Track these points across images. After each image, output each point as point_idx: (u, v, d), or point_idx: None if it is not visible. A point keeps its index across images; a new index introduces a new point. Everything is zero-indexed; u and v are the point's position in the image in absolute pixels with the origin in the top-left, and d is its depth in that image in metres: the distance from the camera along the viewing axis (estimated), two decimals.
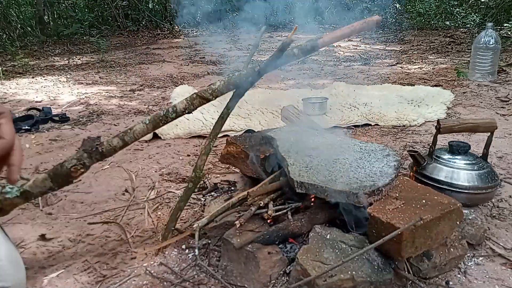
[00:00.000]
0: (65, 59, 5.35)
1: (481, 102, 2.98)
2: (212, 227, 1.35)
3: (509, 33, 5.65)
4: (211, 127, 1.41)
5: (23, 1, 7.72)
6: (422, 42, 5.93)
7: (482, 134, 1.61)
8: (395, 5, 7.65)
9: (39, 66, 4.89)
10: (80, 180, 1.92)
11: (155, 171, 2.03)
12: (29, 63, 4.98)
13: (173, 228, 1.39)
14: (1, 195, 1.15)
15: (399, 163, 1.29)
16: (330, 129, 2.51)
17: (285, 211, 1.26)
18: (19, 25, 6.82)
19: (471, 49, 3.60)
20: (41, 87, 3.92)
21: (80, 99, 3.48)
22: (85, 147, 1.20)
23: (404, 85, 3.51)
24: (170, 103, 3.24)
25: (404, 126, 2.58)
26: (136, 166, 2.10)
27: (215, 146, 2.27)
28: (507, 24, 5.75)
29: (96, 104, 3.31)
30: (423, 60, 4.65)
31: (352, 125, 2.59)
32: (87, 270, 1.30)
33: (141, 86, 3.89)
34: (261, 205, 1.25)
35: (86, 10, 8.18)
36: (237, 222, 1.18)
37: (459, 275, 1.20)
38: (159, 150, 2.31)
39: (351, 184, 1.15)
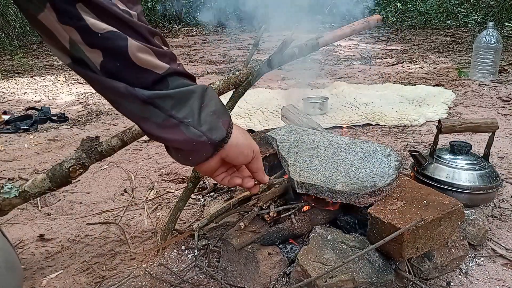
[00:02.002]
0: None
1: (483, 102, 2.97)
2: (211, 228, 1.34)
3: (510, 32, 5.63)
4: None
5: None
6: (423, 42, 5.92)
7: (484, 134, 1.60)
8: (396, 4, 7.63)
9: (37, 66, 4.89)
10: (79, 180, 1.91)
11: (155, 171, 2.02)
12: (28, 62, 4.98)
13: (172, 229, 1.38)
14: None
15: (400, 163, 1.28)
16: (330, 129, 2.51)
17: (289, 213, 1.25)
18: (18, 25, 6.81)
19: (472, 49, 3.59)
20: (40, 86, 3.92)
21: (79, 98, 3.47)
22: (84, 147, 1.19)
23: (405, 85, 3.50)
24: None
25: (405, 126, 2.57)
26: (135, 166, 2.09)
27: None
28: (509, 24, 5.73)
29: (95, 104, 3.30)
30: (424, 60, 4.64)
31: (353, 125, 2.59)
32: (86, 271, 1.29)
33: None
34: (263, 207, 1.24)
35: None
36: (241, 223, 1.18)
37: (460, 276, 1.20)
38: (159, 150, 2.31)
39: (352, 185, 1.14)
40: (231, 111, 1.39)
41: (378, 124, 2.60)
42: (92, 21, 0.46)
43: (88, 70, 0.50)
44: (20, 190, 1.18)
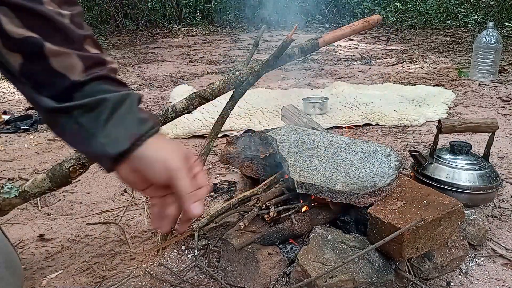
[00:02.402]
0: None
1: (483, 102, 2.97)
2: (211, 228, 1.34)
3: (510, 32, 5.63)
4: (211, 127, 1.41)
5: None
6: (423, 42, 5.91)
7: (484, 134, 1.60)
8: (396, 4, 7.63)
9: None
10: (79, 180, 1.91)
11: None
12: None
13: (172, 229, 1.38)
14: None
15: (400, 163, 1.28)
16: (330, 129, 2.51)
17: (289, 213, 1.25)
18: None
19: (472, 49, 3.59)
20: None
21: None
22: None
23: (405, 85, 3.50)
24: (170, 102, 3.23)
25: (405, 126, 2.57)
26: None
27: (215, 146, 2.26)
28: (508, 24, 5.73)
29: None
30: (424, 60, 4.64)
31: (353, 125, 2.58)
32: (86, 271, 1.29)
33: (140, 85, 3.88)
34: (262, 207, 1.24)
35: (85, 9, 8.16)
36: (241, 223, 1.18)
37: (460, 276, 1.20)
38: None
39: (352, 185, 1.14)
40: (231, 111, 1.39)
41: (378, 124, 2.60)
42: (9, 26, 0.47)
43: (9, 74, 0.51)
44: (20, 190, 1.18)
